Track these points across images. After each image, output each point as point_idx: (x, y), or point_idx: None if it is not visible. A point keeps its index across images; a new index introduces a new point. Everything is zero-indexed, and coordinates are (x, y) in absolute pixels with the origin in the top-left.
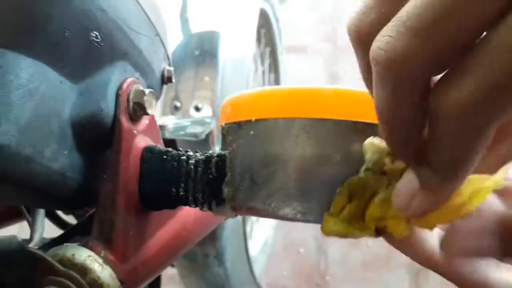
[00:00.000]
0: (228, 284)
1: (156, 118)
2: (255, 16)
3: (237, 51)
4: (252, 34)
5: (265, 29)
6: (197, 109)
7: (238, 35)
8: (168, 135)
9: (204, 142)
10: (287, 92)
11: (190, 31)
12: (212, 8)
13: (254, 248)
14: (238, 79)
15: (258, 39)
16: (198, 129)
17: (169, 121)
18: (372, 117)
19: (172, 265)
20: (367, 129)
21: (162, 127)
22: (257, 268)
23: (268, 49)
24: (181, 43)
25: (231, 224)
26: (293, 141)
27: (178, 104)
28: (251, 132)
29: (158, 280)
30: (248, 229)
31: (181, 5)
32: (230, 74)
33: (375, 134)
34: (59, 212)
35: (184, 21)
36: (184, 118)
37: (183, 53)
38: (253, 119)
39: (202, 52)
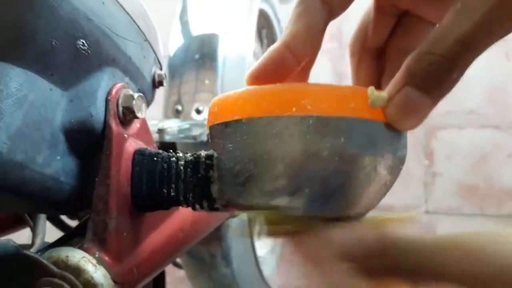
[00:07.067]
0: (236, 284)
1: (157, 122)
2: (254, 17)
3: (237, 53)
4: (251, 35)
5: (267, 30)
6: (198, 111)
7: (237, 37)
8: (168, 138)
9: (206, 144)
10: (272, 91)
11: (191, 34)
12: (211, 10)
13: (263, 248)
14: (238, 80)
15: (260, 40)
16: (197, 131)
17: (169, 124)
18: (357, 112)
19: (180, 267)
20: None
21: (162, 131)
22: (268, 269)
23: None
24: (181, 46)
25: (236, 223)
26: (280, 139)
27: (180, 108)
28: (238, 132)
29: (163, 281)
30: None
31: (181, 8)
32: (230, 76)
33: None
34: (62, 216)
35: (184, 23)
36: (185, 121)
37: (184, 57)
38: (239, 118)
39: (202, 55)
